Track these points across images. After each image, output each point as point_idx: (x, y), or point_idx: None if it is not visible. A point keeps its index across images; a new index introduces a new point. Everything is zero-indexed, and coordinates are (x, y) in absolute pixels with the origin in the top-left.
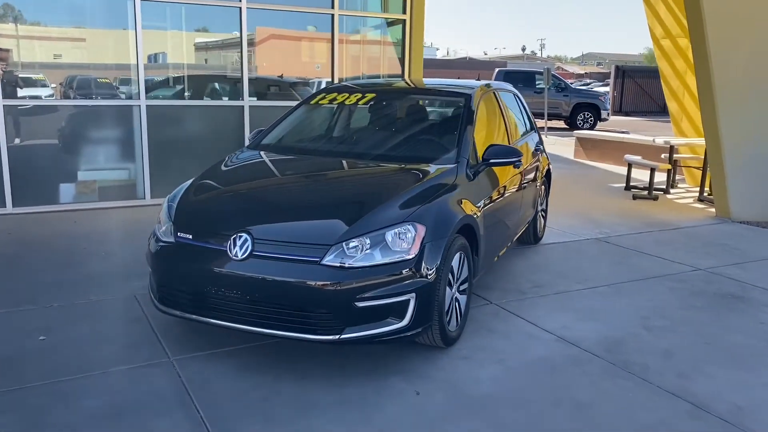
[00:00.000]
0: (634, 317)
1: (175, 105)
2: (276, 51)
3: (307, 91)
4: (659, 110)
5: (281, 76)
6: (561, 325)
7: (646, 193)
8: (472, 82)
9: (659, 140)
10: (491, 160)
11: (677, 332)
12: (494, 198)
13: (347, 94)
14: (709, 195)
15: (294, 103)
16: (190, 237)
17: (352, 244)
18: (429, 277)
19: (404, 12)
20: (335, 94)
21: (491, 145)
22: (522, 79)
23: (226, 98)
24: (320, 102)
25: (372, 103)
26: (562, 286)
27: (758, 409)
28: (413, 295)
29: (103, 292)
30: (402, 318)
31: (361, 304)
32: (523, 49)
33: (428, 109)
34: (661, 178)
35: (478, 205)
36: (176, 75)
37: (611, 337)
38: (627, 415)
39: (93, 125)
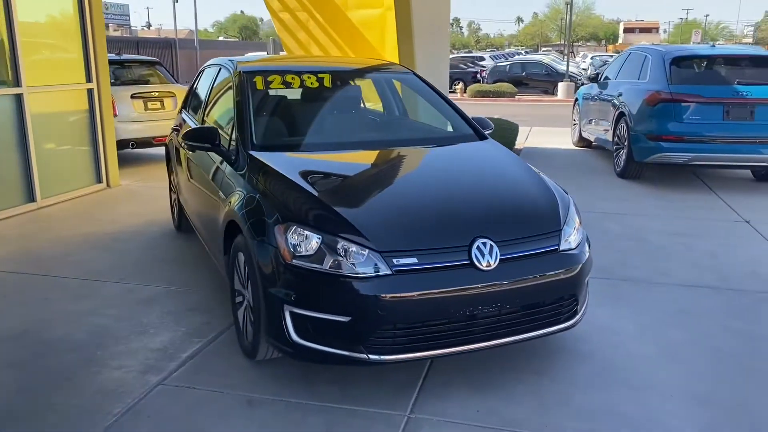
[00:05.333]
0: None
1: None
2: None
3: None
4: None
5: None
6: None
7: None
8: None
9: None
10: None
11: None
12: None
13: (296, 76)
14: None
15: None
16: (416, 260)
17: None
18: None
19: None
20: (278, 77)
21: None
22: None
23: None
24: (272, 86)
25: (338, 84)
26: None
27: None
28: None
29: None
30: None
31: (586, 280)
32: None
33: (390, 87)
34: None
35: None
36: None
37: None
38: None
39: None
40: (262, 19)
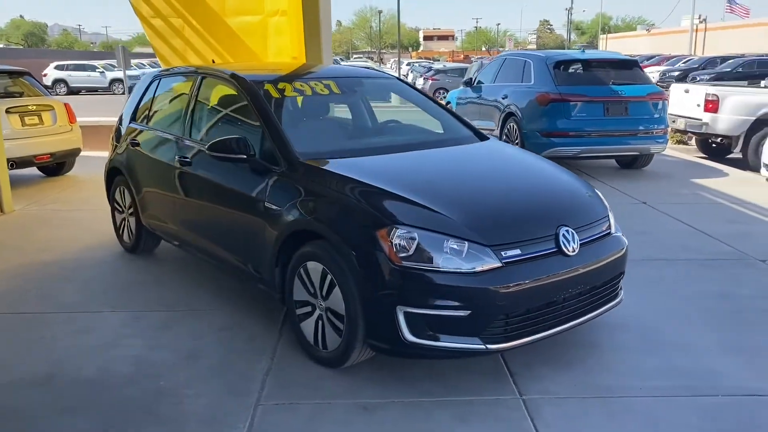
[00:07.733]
0: None
1: None
2: None
3: None
4: None
5: None
6: None
7: None
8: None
9: None
10: None
11: None
12: None
13: (305, 84)
14: None
15: None
16: (519, 252)
17: None
18: None
19: None
20: (287, 84)
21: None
22: None
23: None
24: (285, 95)
25: (344, 90)
26: None
27: None
28: None
29: None
30: None
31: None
32: None
33: (387, 92)
34: None
35: None
36: None
37: None
38: None
39: None
40: (47, 25)
